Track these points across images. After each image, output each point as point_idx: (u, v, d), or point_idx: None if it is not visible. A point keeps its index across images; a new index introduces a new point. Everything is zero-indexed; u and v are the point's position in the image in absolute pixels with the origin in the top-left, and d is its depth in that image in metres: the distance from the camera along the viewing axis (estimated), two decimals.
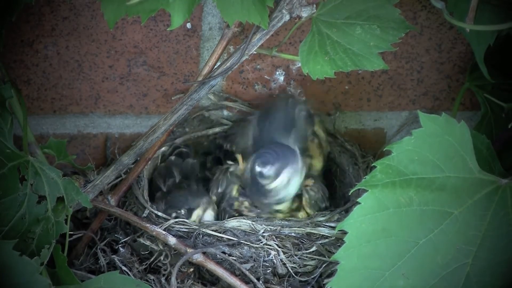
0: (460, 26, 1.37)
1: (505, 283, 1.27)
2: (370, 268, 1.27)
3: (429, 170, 1.28)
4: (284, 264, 1.46)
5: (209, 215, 1.53)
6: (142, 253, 1.49)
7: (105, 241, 1.52)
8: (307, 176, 1.54)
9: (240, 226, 1.47)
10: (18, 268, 1.24)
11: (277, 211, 1.52)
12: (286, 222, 1.49)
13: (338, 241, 1.46)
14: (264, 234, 1.46)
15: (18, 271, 1.24)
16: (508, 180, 1.30)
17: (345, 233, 1.29)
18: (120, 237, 1.52)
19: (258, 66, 1.63)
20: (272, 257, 1.46)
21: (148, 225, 1.47)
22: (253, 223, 1.47)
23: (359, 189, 1.29)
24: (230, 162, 1.58)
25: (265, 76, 1.64)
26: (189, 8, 1.32)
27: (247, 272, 1.44)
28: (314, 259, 1.47)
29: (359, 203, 1.27)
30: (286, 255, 1.46)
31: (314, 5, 1.40)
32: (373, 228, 1.27)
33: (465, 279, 1.28)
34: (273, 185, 1.48)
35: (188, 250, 1.44)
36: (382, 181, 1.27)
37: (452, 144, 1.29)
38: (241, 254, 1.46)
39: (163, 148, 1.63)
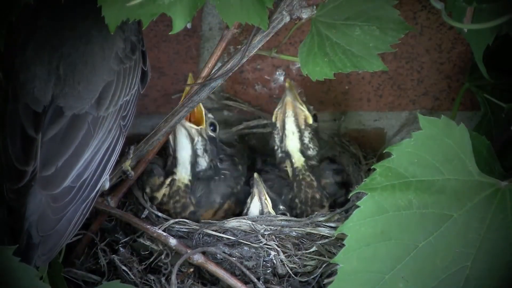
0: (459, 27, 1.37)
1: (504, 286, 1.27)
2: (370, 271, 1.27)
3: (429, 172, 1.28)
4: (284, 264, 1.46)
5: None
6: (142, 253, 1.49)
7: (105, 242, 1.52)
8: None
9: (240, 226, 1.47)
10: (18, 273, 1.24)
11: None
12: (286, 222, 1.49)
13: (338, 241, 1.46)
14: (264, 234, 1.46)
15: (18, 276, 1.24)
16: (507, 183, 1.29)
17: (345, 234, 1.29)
18: (120, 237, 1.51)
19: (258, 66, 1.63)
20: (272, 257, 1.46)
21: (148, 226, 1.47)
22: (253, 223, 1.47)
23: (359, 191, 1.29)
24: None
25: (265, 76, 1.64)
26: (190, 12, 1.31)
27: (247, 272, 1.44)
28: (314, 259, 1.47)
29: (359, 207, 1.27)
30: (286, 255, 1.46)
31: (314, 7, 1.40)
32: (372, 231, 1.27)
33: (464, 282, 1.28)
34: None
35: (188, 251, 1.44)
36: (382, 184, 1.27)
37: (452, 146, 1.28)
38: (241, 254, 1.46)
39: None
